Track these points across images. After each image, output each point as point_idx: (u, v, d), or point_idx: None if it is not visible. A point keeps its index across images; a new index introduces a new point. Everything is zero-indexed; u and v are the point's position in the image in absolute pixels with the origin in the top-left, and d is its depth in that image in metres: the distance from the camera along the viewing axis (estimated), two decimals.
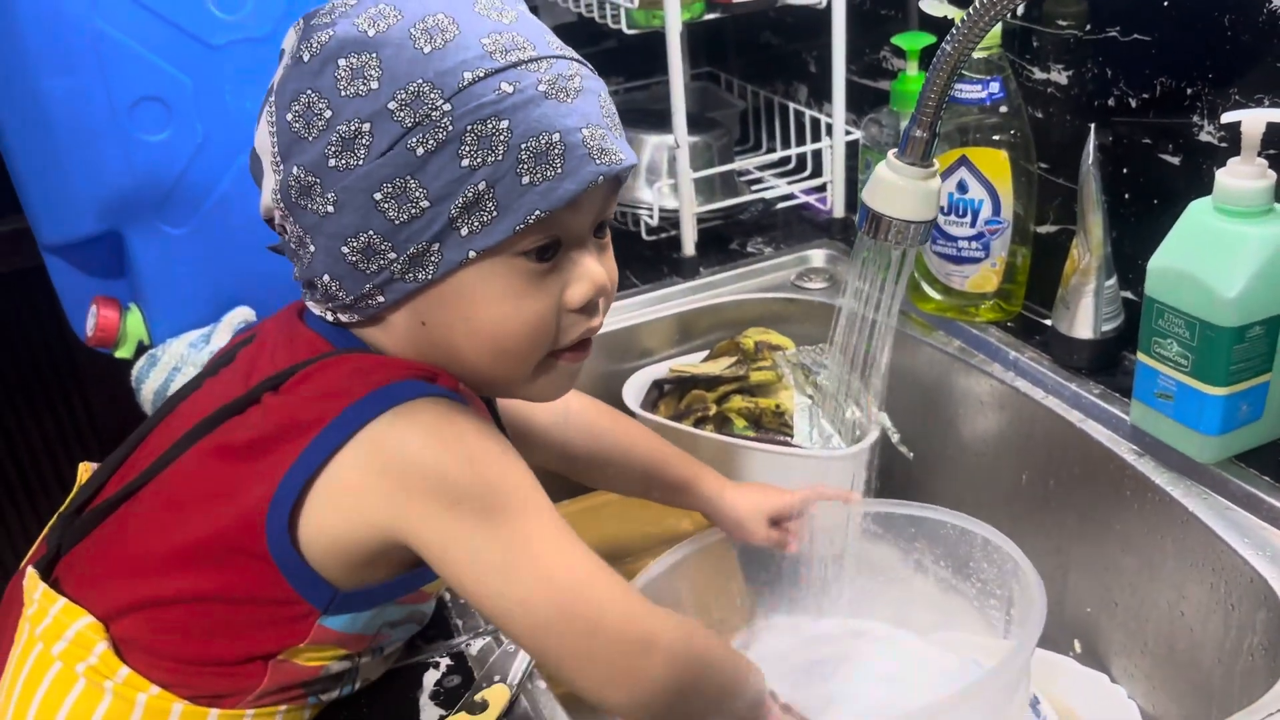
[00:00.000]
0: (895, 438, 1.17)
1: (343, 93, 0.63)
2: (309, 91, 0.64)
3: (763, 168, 1.48)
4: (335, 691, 0.75)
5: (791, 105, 1.45)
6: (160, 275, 1.13)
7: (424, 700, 0.77)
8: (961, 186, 1.11)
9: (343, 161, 0.63)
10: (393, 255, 0.64)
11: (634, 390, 1.23)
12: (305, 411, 0.66)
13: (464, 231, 0.64)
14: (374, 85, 0.62)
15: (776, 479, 1.08)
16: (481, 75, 0.63)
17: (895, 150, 0.83)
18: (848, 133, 1.34)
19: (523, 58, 0.64)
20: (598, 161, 0.65)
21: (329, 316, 0.70)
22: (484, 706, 0.74)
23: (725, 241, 1.39)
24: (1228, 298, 0.86)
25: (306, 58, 0.64)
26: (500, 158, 0.63)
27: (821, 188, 1.40)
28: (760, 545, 0.96)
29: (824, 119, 1.38)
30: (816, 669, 0.95)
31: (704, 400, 1.20)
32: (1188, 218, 0.90)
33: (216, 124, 1.08)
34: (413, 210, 0.63)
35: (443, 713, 0.75)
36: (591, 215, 0.68)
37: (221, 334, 1.13)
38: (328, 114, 0.63)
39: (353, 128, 0.63)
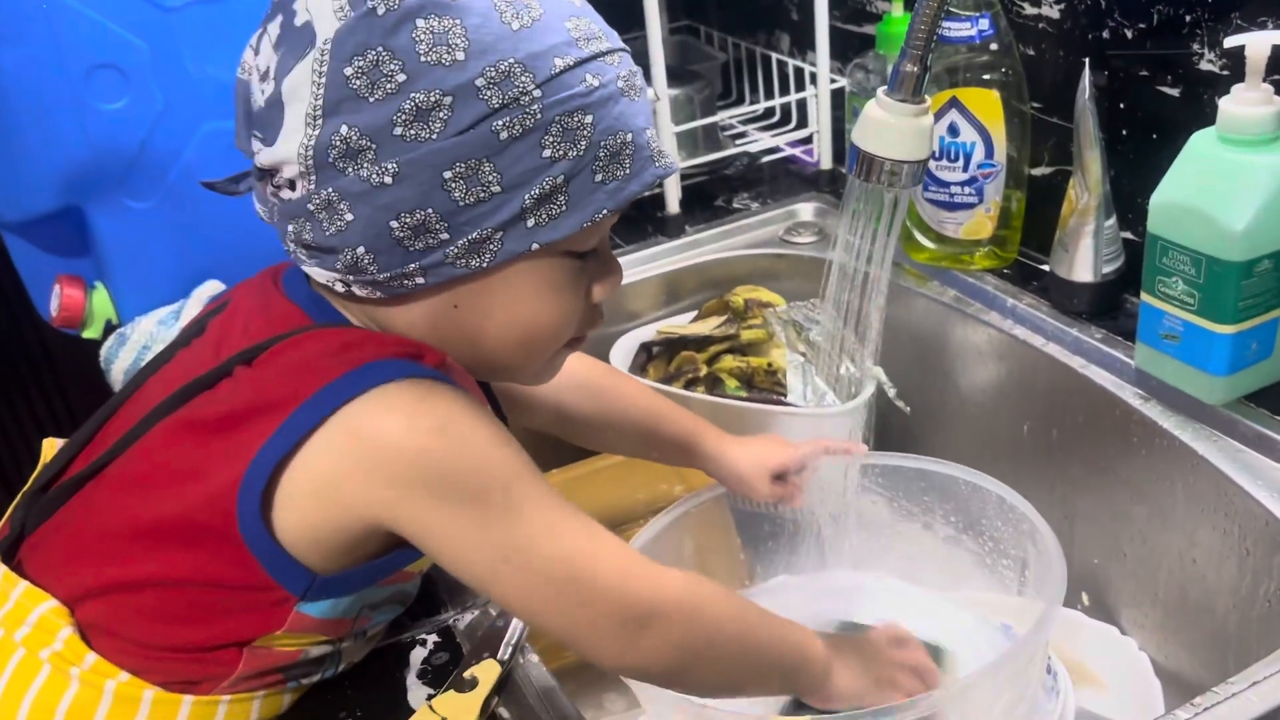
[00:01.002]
0: (891, 392, 1.14)
1: (422, 58, 0.59)
2: (379, 49, 0.59)
3: (746, 121, 1.44)
4: (316, 675, 0.72)
5: (774, 55, 1.40)
6: (125, 251, 1.09)
7: (411, 679, 0.74)
8: (952, 129, 1.07)
9: (413, 132, 0.59)
10: (446, 237, 0.61)
11: (621, 354, 1.19)
12: (278, 388, 0.62)
13: (530, 223, 0.61)
14: (459, 56, 0.59)
15: None
16: (570, 64, 0.61)
17: (885, 88, 0.79)
18: (833, 81, 1.30)
19: (601, 49, 0.63)
20: (656, 164, 0.65)
21: (338, 287, 0.64)
22: (474, 684, 0.71)
23: (710, 198, 1.35)
24: (1235, 230, 0.82)
25: (381, 10, 0.59)
26: (581, 153, 0.61)
27: (807, 139, 1.37)
28: (764, 500, 0.93)
29: (808, 68, 1.33)
30: (822, 628, 0.92)
31: (694, 361, 1.17)
32: (1191, 150, 0.86)
33: (177, 91, 1.04)
34: (481, 194, 0.60)
35: (431, 691, 0.72)
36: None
37: (191, 310, 1.09)
38: (401, 78, 0.59)
39: (432, 98, 0.59)
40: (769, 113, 1.42)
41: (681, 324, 1.22)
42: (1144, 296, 0.91)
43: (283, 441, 0.61)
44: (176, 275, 1.10)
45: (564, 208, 0.62)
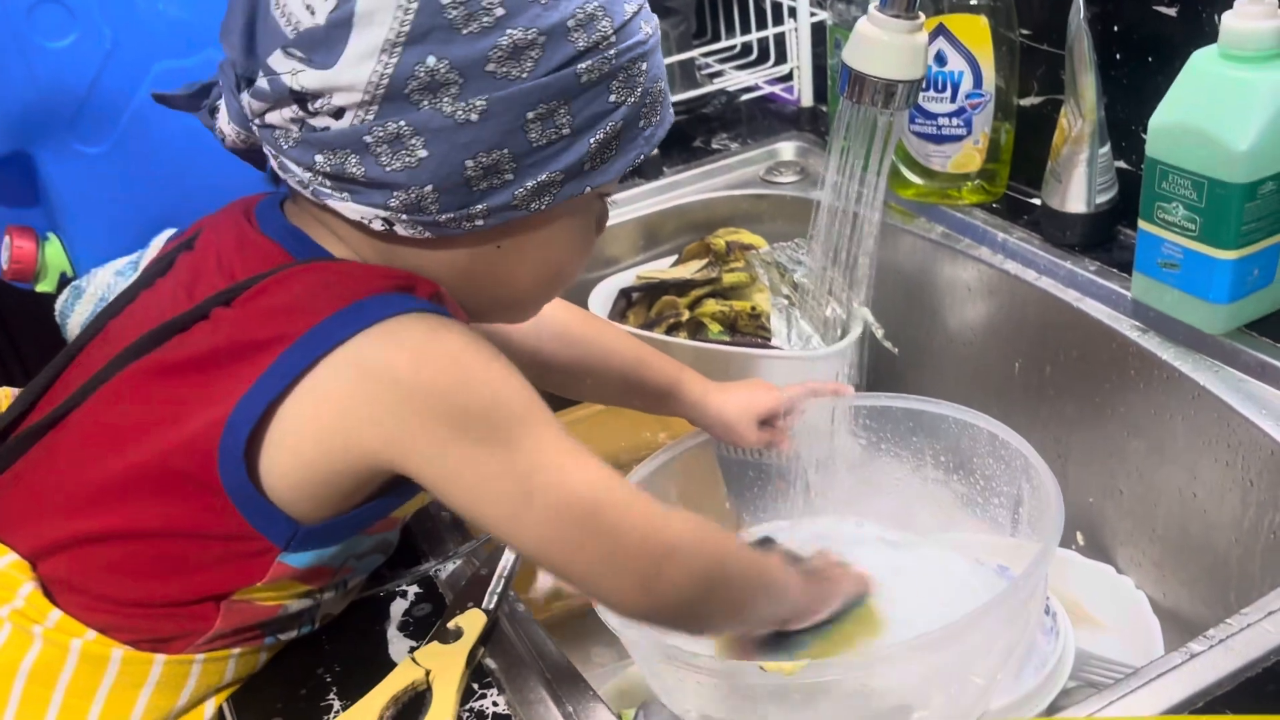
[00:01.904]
0: (879, 333, 1.11)
1: None
2: None
3: (723, 59, 1.39)
4: (294, 631, 0.69)
5: None
6: (78, 199, 1.05)
7: (392, 632, 0.70)
8: (940, 58, 1.04)
9: (504, 69, 0.57)
10: (511, 178, 0.60)
11: (600, 300, 1.16)
12: (265, 328, 0.59)
13: (587, 166, 0.61)
14: None
15: None
16: (634, 11, 0.61)
17: (877, 3, 0.75)
18: (813, 14, 1.26)
19: (637, 2, 0.63)
20: (670, 110, 0.66)
21: (376, 225, 0.61)
22: (458, 634, 0.67)
23: (688, 138, 1.31)
24: (1238, 151, 0.80)
25: None
26: (636, 99, 0.62)
27: (787, 76, 1.33)
28: (751, 446, 0.90)
29: (786, 1, 1.29)
30: None
31: (675, 306, 1.13)
32: (1191, 69, 0.83)
33: (126, 28, 0.99)
34: (553, 136, 0.59)
35: (413, 644, 0.69)
36: None
37: (150, 259, 1.05)
38: (499, 12, 0.57)
39: (528, 36, 0.57)
40: (746, 49, 1.38)
41: (662, 268, 1.19)
42: (1141, 224, 0.88)
43: (273, 383, 0.58)
44: (133, 224, 1.06)
45: (614, 152, 0.62)
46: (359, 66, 0.56)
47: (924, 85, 1.04)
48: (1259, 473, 0.82)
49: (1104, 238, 1.00)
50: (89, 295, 1.05)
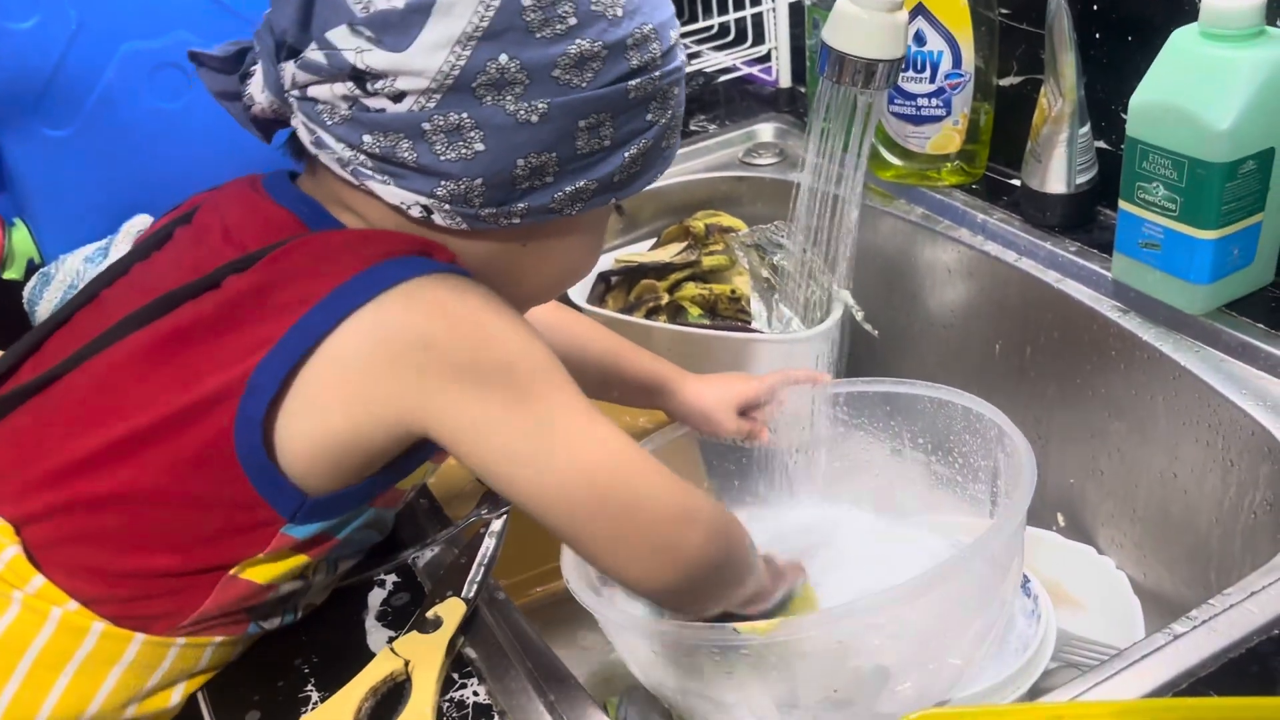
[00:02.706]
0: (859, 315, 1.10)
1: (592, 7, 0.59)
2: None
3: (700, 40, 1.38)
4: (278, 618, 0.68)
5: None
6: (45, 184, 1.03)
7: (370, 622, 0.69)
8: (919, 38, 1.03)
9: (568, 77, 0.59)
10: (552, 181, 0.61)
11: (579, 284, 1.15)
12: (284, 292, 0.59)
13: (617, 179, 0.63)
14: (618, 12, 0.60)
15: (738, 367, 1.02)
16: (677, 38, 0.64)
17: None
18: None
19: (680, 30, 0.65)
20: (680, 135, 0.68)
21: (415, 211, 0.61)
22: (438, 623, 0.66)
23: None
24: (1219, 130, 0.79)
25: None
26: (666, 120, 0.64)
27: (765, 57, 1.31)
28: (730, 437, 0.89)
29: None
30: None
31: (655, 290, 1.12)
32: (1171, 47, 0.82)
33: (92, 8, 0.97)
34: (595, 146, 0.61)
35: (392, 634, 0.68)
36: None
37: (121, 245, 1.03)
38: (571, 21, 0.58)
39: (593, 49, 0.59)
40: (724, 30, 1.36)
41: (640, 252, 1.18)
42: (1122, 204, 0.88)
43: (296, 345, 0.57)
44: (102, 209, 1.04)
45: (640, 168, 0.64)
46: (431, 55, 0.57)
47: (903, 65, 1.04)
48: (1239, 453, 0.82)
49: (1084, 218, 1.00)
50: (58, 282, 1.03)
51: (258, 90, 0.63)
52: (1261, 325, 0.85)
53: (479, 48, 0.57)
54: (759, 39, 1.32)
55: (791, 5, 1.25)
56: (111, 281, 0.68)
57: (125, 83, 1.00)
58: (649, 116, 0.63)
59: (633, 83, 0.61)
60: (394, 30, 0.57)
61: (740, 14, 1.31)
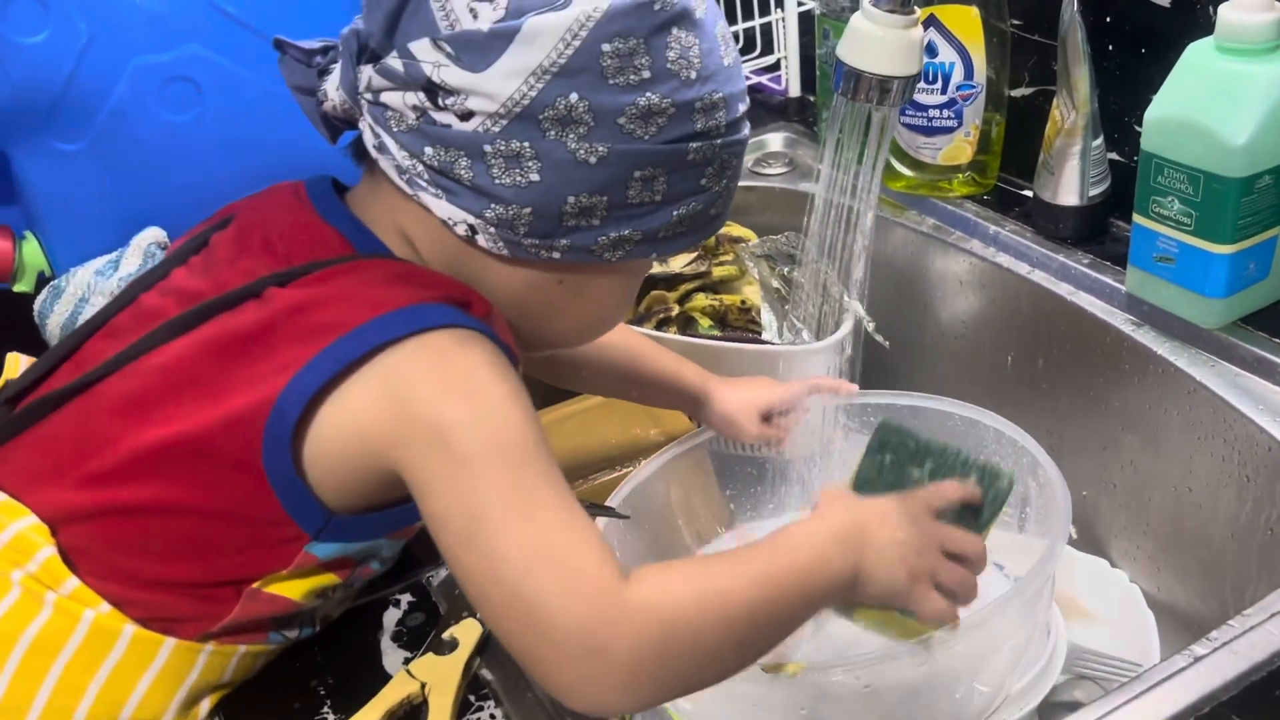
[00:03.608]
0: (870, 326, 1.10)
1: (668, 65, 0.60)
2: (641, 40, 0.59)
3: None
4: (296, 630, 0.68)
5: None
6: (56, 198, 1.03)
7: (385, 642, 0.69)
8: (930, 49, 1.03)
9: (632, 127, 0.60)
10: (599, 225, 0.62)
11: None
12: (322, 314, 0.59)
13: (662, 235, 0.64)
14: (692, 75, 0.61)
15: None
16: (744, 111, 0.65)
17: None
18: (800, 3, 1.24)
19: (749, 103, 0.66)
20: (729, 208, 0.68)
21: (460, 229, 0.62)
22: (454, 645, 0.66)
23: None
24: (1235, 145, 0.79)
25: (656, 6, 0.59)
26: (719, 188, 0.65)
27: (775, 66, 1.31)
28: (751, 442, 0.89)
29: None
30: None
31: (665, 301, 1.12)
32: (1187, 61, 0.82)
33: (102, 21, 0.97)
34: (647, 199, 0.62)
35: (408, 654, 0.68)
36: None
37: (132, 259, 1.03)
38: (646, 74, 0.59)
39: (662, 104, 0.60)
40: (734, 39, 1.36)
41: None
42: (1136, 218, 0.87)
43: (326, 368, 0.58)
44: (113, 222, 1.04)
45: (685, 230, 0.65)
46: (506, 81, 0.58)
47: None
48: (1255, 469, 0.82)
49: (1097, 230, 0.99)
50: (68, 295, 1.03)
51: (332, 88, 0.64)
52: (1277, 340, 0.84)
53: (553, 82, 0.58)
54: (768, 48, 1.32)
55: (801, 14, 1.25)
56: (151, 286, 0.68)
57: (136, 96, 1.00)
58: (704, 181, 0.63)
59: (694, 145, 0.61)
60: (475, 51, 0.58)
61: (750, 23, 1.31)
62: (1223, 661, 0.62)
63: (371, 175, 0.66)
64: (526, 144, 0.59)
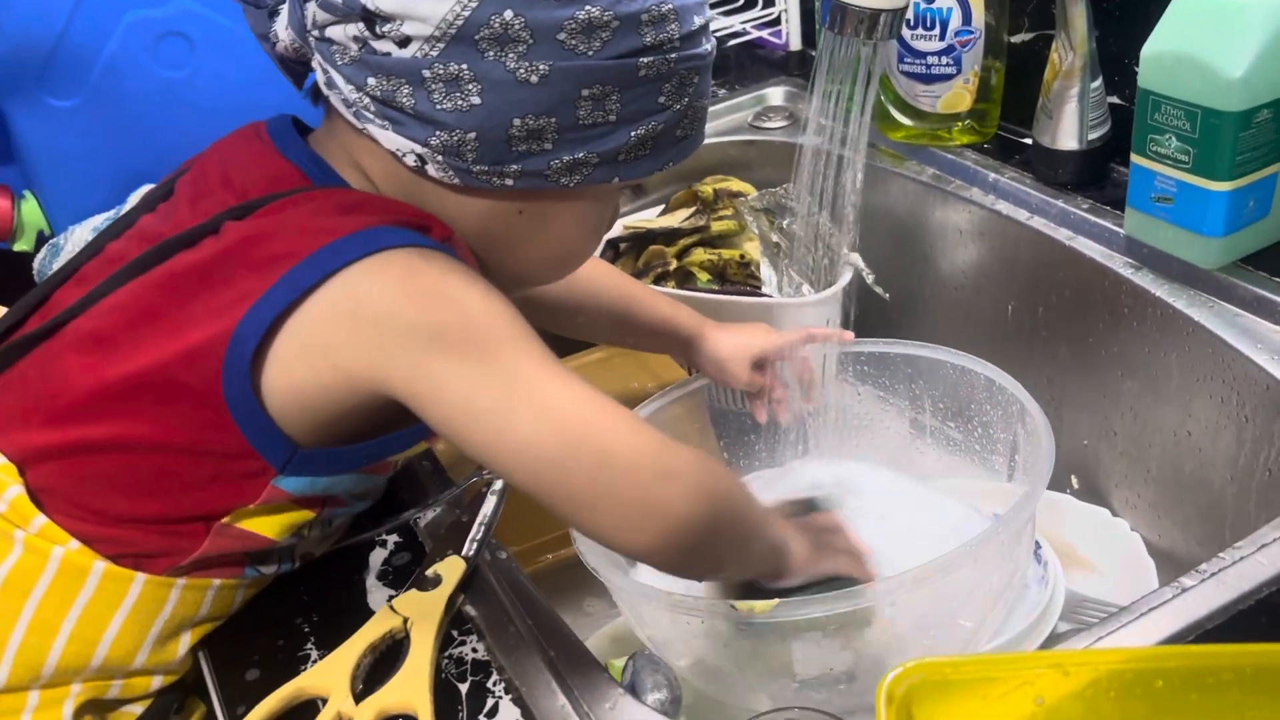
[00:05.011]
0: (870, 278, 1.09)
1: None
2: None
3: (710, 5, 1.36)
4: (274, 565, 0.68)
5: None
6: (52, 155, 1.03)
7: (371, 581, 0.69)
8: None
9: (574, 43, 0.58)
10: (550, 149, 0.61)
11: None
12: (277, 244, 0.59)
13: (622, 157, 0.62)
14: None
15: None
16: (702, 24, 0.63)
17: None
18: None
19: (709, 18, 0.64)
20: (704, 130, 0.67)
21: (410, 160, 0.61)
22: (437, 581, 0.66)
23: None
24: (1233, 78, 0.77)
25: None
26: (681, 107, 0.63)
27: (775, 20, 1.30)
28: (742, 388, 0.89)
29: None
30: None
31: (663, 255, 1.11)
32: None
33: None
34: (599, 119, 0.60)
35: (392, 592, 0.68)
36: None
37: None
38: None
39: (603, 17, 0.58)
40: None
41: (649, 217, 1.17)
42: (1134, 158, 0.86)
43: (281, 296, 0.57)
44: (110, 179, 1.04)
45: (649, 151, 0.63)
46: (439, 1, 0.57)
47: (911, 23, 1.03)
48: (1254, 409, 0.81)
49: (1097, 175, 0.98)
50: (66, 252, 1.03)
51: (282, 27, 0.63)
52: (1278, 279, 0.83)
53: (485, 1, 0.57)
54: (769, 2, 1.31)
55: None
56: (118, 235, 0.68)
57: (129, 52, 1.00)
58: (662, 99, 0.61)
59: (645, 60, 0.60)
60: None
61: None
62: (1210, 592, 0.61)
63: (329, 114, 0.65)
64: (465, 66, 0.58)
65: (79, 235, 1.03)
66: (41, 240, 1.05)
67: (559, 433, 0.57)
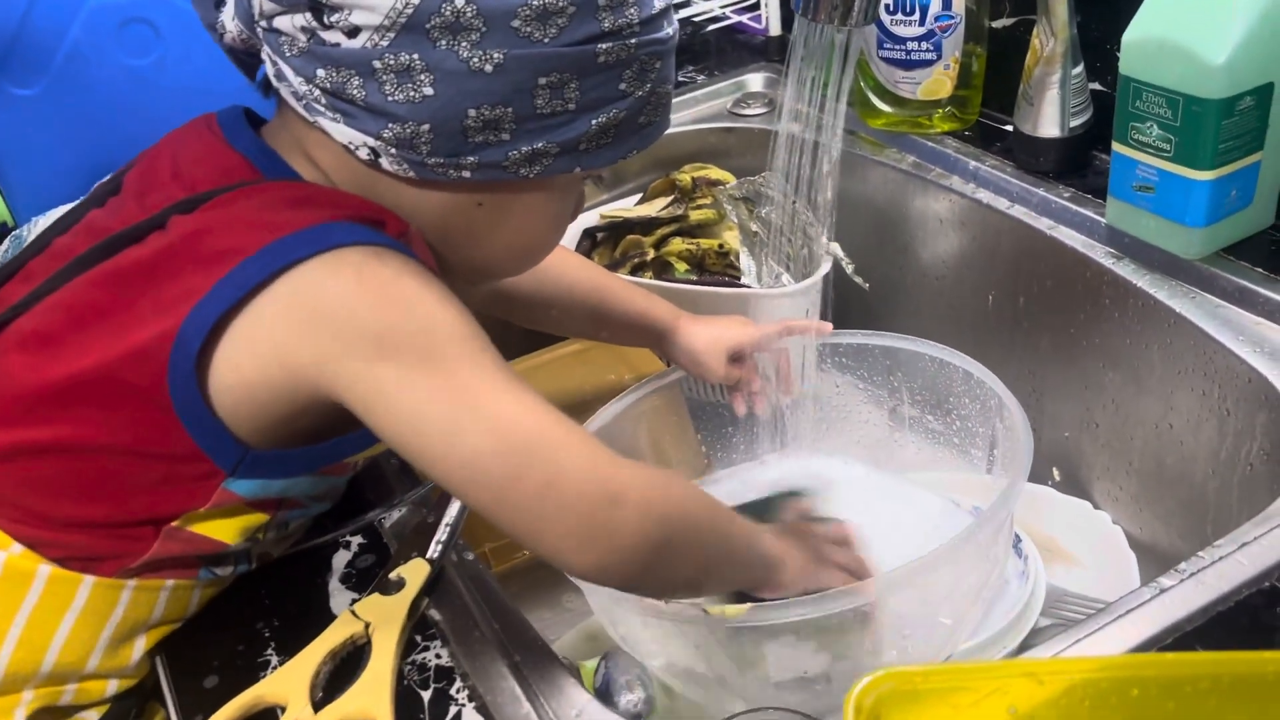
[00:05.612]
0: (849, 268, 1.08)
1: None
2: None
3: None
4: (230, 566, 0.66)
5: None
6: (14, 145, 1.01)
7: (334, 584, 0.68)
8: None
9: (529, 29, 0.57)
10: (508, 139, 0.59)
11: (564, 240, 1.12)
12: (223, 239, 0.57)
13: (583, 146, 0.61)
14: None
15: None
16: (661, 8, 0.61)
17: None
18: None
19: (670, 1, 0.62)
20: (669, 116, 0.66)
21: (363, 153, 0.59)
22: (400, 585, 0.65)
23: None
24: (1215, 65, 0.76)
25: None
26: (644, 93, 0.61)
27: (754, 5, 1.28)
28: (718, 382, 0.87)
29: None
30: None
31: (640, 245, 1.10)
32: None
33: None
34: (558, 108, 0.59)
35: (356, 596, 0.66)
36: None
37: None
38: None
39: (558, 3, 0.57)
40: None
41: (626, 207, 1.15)
42: (1115, 146, 0.85)
43: (228, 294, 0.55)
44: (74, 170, 1.02)
45: (610, 140, 0.62)
46: None
47: (891, 7, 1.01)
48: (1236, 401, 0.80)
49: (1078, 163, 0.97)
50: None
51: (229, 18, 0.61)
52: (1260, 269, 0.82)
53: None
54: None
55: None
56: (65, 230, 0.66)
57: (93, 39, 0.98)
58: (623, 85, 0.60)
59: (602, 46, 0.58)
60: None
61: None
62: (1189, 592, 0.60)
63: (280, 107, 0.63)
64: (416, 56, 0.56)
65: (42, 227, 1.01)
66: (4, 232, 1.03)
67: (507, 450, 0.55)
